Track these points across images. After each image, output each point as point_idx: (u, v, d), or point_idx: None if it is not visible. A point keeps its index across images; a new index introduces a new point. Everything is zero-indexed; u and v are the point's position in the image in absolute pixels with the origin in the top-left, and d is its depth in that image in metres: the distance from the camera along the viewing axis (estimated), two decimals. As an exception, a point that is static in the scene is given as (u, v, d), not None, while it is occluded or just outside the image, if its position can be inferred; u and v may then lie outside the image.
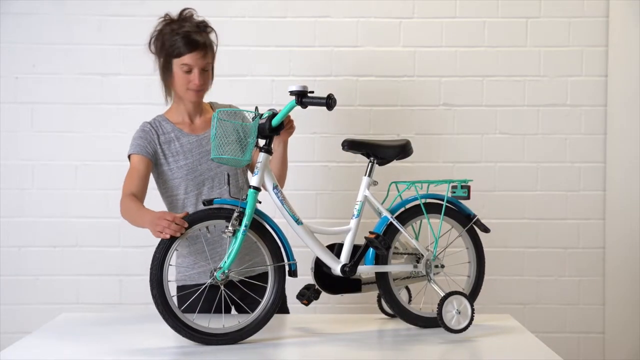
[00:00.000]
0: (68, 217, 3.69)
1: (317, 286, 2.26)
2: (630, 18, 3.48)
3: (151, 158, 2.55)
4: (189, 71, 2.51)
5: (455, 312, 2.22)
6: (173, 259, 2.12)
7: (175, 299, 2.11)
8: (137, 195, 2.47)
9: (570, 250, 3.72)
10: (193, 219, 2.11)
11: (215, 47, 2.59)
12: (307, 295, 2.29)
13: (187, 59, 2.51)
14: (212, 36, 2.59)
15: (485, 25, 3.70)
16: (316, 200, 3.67)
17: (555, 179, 3.71)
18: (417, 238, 2.35)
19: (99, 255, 3.69)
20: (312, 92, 2.13)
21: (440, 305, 2.21)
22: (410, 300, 2.42)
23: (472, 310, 2.23)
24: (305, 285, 2.34)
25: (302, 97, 2.12)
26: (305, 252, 2.29)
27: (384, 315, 2.49)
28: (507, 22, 3.70)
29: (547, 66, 3.70)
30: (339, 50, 3.68)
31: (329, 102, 2.09)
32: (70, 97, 3.69)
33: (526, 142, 3.71)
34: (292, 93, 2.13)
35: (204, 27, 2.57)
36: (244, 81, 3.68)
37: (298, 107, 2.16)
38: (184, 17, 2.57)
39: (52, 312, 3.13)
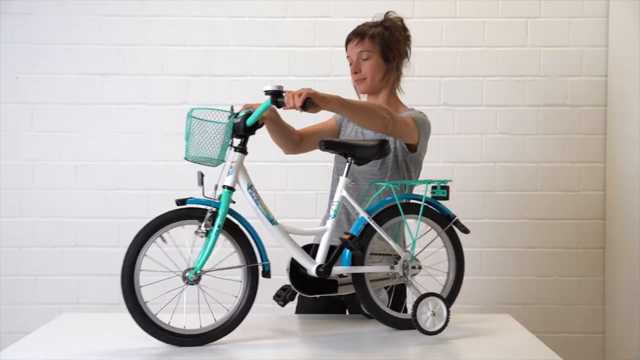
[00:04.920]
0: (68, 217, 3.69)
1: (293, 287, 2.23)
2: (630, 18, 3.47)
3: (338, 123, 2.65)
4: (351, 63, 2.58)
5: (430, 313, 2.19)
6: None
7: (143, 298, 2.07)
8: (295, 131, 2.57)
9: (570, 250, 3.72)
10: (165, 219, 2.07)
11: (389, 40, 2.54)
12: (283, 297, 2.25)
13: (347, 52, 2.60)
14: (394, 32, 2.55)
15: (485, 25, 3.71)
16: (316, 200, 3.67)
17: (555, 179, 3.71)
18: (395, 239, 2.33)
19: (99, 255, 3.69)
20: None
21: (415, 306, 2.18)
22: (405, 306, 2.39)
23: (448, 312, 2.21)
24: (282, 286, 2.30)
25: (277, 97, 2.10)
26: (282, 253, 2.25)
27: (363, 316, 2.46)
28: (507, 22, 3.70)
29: (547, 66, 3.70)
30: (339, 50, 3.66)
31: (304, 103, 2.08)
32: (70, 97, 3.69)
33: (526, 142, 3.71)
34: (267, 93, 2.11)
35: (379, 23, 2.58)
36: (244, 81, 3.68)
37: (297, 109, 2.15)
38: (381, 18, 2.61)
39: (52, 312, 3.13)
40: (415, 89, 3.65)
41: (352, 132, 2.60)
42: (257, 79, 3.68)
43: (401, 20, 2.59)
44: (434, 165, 3.65)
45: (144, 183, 3.69)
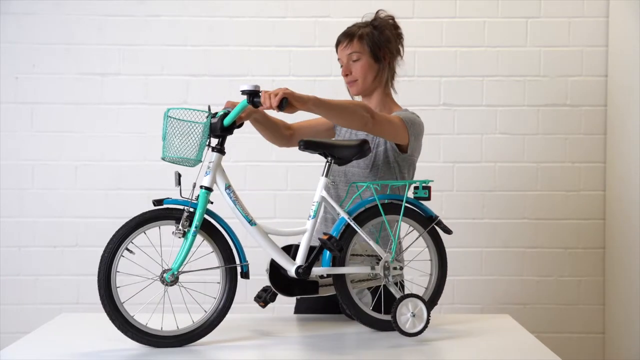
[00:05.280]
0: (68, 217, 3.69)
1: (272, 288, 2.21)
2: (630, 18, 3.47)
3: (334, 125, 2.63)
4: (342, 65, 2.56)
5: (410, 315, 2.16)
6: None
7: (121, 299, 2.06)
8: (289, 126, 2.57)
9: (570, 250, 3.72)
10: (143, 220, 2.06)
11: (379, 39, 2.52)
12: (264, 298, 2.23)
13: (338, 55, 2.57)
14: (384, 30, 2.53)
15: (485, 25, 3.71)
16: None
17: (555, 179, 3.71)
18: (377, 240, 2.30)
19: (99, 255, 3.67)
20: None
21: (395, 308, 2.15)
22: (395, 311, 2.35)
23: (429, 313, 2.18)
24: (263, 287, 2.27)
25: (254, 97, 2.09)
26: (264, 253, 2.23)
27: (346, 317, 2.44)
28: (507, 22, 3.70)
29: (547, 66, 3.70)
30: (339, 50, 3.68)
31: (280, 103, 2.06)
32: (70, 97, 3.69)
33: (526, 142, 3.71)
34: (243, 92, 2.09)
35: (369, 23, 2.55)
36: (244, 81, 3.67)
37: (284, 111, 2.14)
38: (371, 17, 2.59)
39: (52, 312, 3.13)
40: (415, 89, 3.66)
41: (347, 132, 2.59)
42: (257, 79, 3.68)
43: (392, 18, 2.57)
44: (433, 165, 3.65)
45: (144, 183, 3.69)
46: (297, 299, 2.60)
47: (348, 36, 2.54)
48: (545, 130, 3.71)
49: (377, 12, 2.58)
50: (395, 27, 2.57)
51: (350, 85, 2.57)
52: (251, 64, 3.71)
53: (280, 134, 2.56)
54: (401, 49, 2.58)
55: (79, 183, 3.70)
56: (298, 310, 2.59)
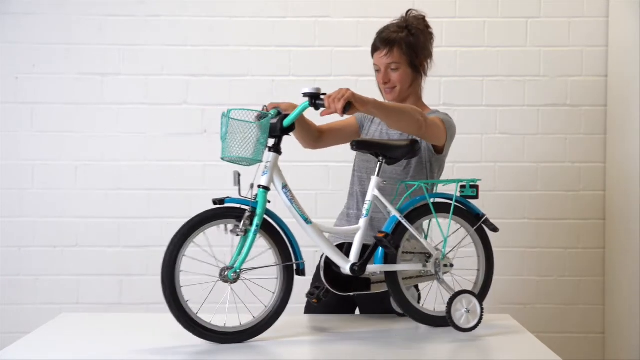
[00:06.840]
0: (68, 217, 3.69)
1: (326, 285, 2.27)
2: (630, 18, 3.47)
3: (358, 123, 2.64)
4: (379, 70, 2.56)
5: (464, 310, 2.24)
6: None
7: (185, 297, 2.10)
8: (318, 128, 2.57)
9: (570, 250, 3.72)
10: (203, 219, 2.11)
11: (416, 47, 2.54)
12: (317, 294, 2.29)
13: (374, 60, 2.57)
14: (419, 36, 2.55)
15: (485, 25, 3.71)
16: (316, 200, 3.67)
17: (555, 179, 3.71)
18: (426, 237, 2.35)
19: (99, 255, 3.69)
20: (325, 94, 2.14)
21: (450, 304, 2.22)
22: (419, 300, 2.43)
23: (482, 309, 2.25)
24: (315, 285, 2.35)
25: (316, 99, 2.13)
26: (311, 253, 2.28)
27: (394, 315, 2.49)
28: (507, 22, 3.70)
29: (547, 66, 3.70)
30: (339, 50, 3.68)
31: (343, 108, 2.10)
32: (70, 97, 3.69)
33: (526, 142, 3.71)
34: (305, 95, 2.15)
35: (404, 27, 2.54)
36: (244, 81, 3.68)
37: (311, 108, 2.17)
38: (404, 17, 2.58)
39: (52, 312, 3.13)
40: (415, 89, 3.66)
41: (377, 132, 2.59)
42: (257, 79, 3.68)
43: (423, 18, 2.58)
44: (434, 165, 3.65)
45: (144, 183, 3.69)
46: (307, 299, 2.61)
47: (388, 44, 2.53)
48: (545, 130, 3.71)
49: (407, 12, 2.58)
50: (427, 27, 2.59)
51: (388, 92, 2.58)
52: (251, 64, 3.71)
53: (312, 135, 2.59)
54: (432, 49, 2.60)
55: (79, 183, 3.70)
56: (308, 310, 2.60)
